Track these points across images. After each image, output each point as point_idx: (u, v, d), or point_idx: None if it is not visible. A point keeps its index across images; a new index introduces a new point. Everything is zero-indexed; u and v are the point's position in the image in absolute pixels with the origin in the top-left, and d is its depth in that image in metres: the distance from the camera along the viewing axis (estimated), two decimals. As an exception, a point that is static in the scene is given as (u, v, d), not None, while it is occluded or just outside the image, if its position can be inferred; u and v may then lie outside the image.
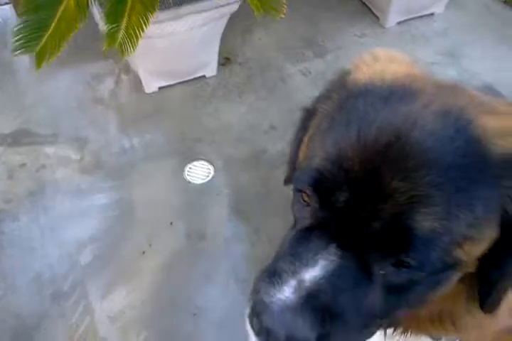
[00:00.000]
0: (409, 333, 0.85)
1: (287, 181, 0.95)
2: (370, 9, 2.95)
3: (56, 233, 2.06)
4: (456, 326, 0.81)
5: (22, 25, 1.60)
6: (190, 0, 2.17)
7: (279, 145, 2.34)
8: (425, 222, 0.61)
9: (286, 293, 0.65)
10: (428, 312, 0.81)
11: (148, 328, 1.81)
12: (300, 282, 0.66)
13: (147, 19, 1.69)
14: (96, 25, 2.13)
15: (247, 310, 0.72)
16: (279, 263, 0.70)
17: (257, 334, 0.68)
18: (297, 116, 2.77)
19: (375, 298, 0.68)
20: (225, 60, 2.71)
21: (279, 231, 2.05)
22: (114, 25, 1.61)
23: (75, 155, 2.32)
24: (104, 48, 1.70)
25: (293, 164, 0.90)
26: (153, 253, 2.01)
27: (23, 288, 1.90)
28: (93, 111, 2.51)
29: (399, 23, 2.84)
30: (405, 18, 2.84)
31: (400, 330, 0.85)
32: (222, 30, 2.43)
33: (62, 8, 1.57)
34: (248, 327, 0.72)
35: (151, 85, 2.57)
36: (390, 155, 0.63)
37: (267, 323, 0.65)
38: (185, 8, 2.15)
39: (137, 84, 2.59)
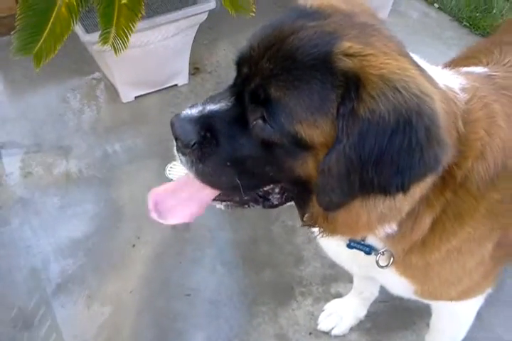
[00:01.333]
0: (325, 235, 1.06)
1: None
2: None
3: (49, 233, 2.18)
4: (329, 223, 1.02)
5: (20, 30, 1.78)
6: (164, 10, 2.38)
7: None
8: (277, 91, 0.90)
9: (191, 111, 0.99)
10: (314, 216, 1.04)
11: (145, 310, 1.95)
12: (203, 109, 0.98)
13: (134, 21, 1.91)
14: (71, 41, 2.29)
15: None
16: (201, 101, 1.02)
17: (174, 139, 1.01)
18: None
19: (247, 145, 0.98)
20: (194, 70, 2.92)
21: (260, 218, 2.26)
22: (106, 27, 1.81)
23: (60, 162, 2.46)
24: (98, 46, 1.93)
25: None
26: (142, 245, 2.16)
27: (21, 283, 2.01)
28: (74, 121, 2.66)
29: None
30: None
31: (319, 232, 1.07)
32: (192, 40, 2.65)
33: (55, 13, 1.76)
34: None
35: (127, 95, 2.75)
36: (272, 47, 0.93)
37: (174, 124, 0.99)
38: (160, 18, 2.36)
39: (114, 94, 2.77)
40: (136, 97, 2.76)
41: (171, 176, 2.41)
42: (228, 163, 1.00)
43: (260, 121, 0.94)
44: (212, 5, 2.50)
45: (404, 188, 0.88)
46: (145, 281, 2.05)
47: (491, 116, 1.07)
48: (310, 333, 1.87)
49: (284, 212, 2.26)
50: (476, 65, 1.31)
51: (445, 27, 3.21)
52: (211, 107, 0.98)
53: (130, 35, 1.98)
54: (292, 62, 0.90)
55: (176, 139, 1.01)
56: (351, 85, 0.86)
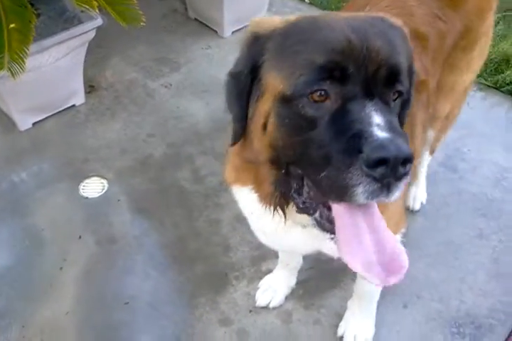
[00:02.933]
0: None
1: (237, 138, 1.15)
2: (207, 26, 3.38)
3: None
4: None
5: None
6: (50, 32, 2.38)
7: (160, 148, 2.61)
8: (400, 60, 1.02)
9: (381, 134, 0.91)
10: None
11: (86, 328, 1.93)
12: (379, 126, 0.92)
13: (27, 43, 1.92)
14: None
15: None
16: (347, 131, 0.94)
17: (380, 177, 0.90)
18: (171, 123, 3.05)
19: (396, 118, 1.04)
20: (90, 88, 2.92)
21: (183, 217, 2.31)
22: (-1, 52, 1.81)
23: (-35, 199, 2.36)
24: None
25: (242, 119, 1.11)
26: (70, 266, 2.13)
27: None
28: (-29, 157, 2.56)
29: (234, 32, 3.31)
30: (238, 27, 3.32)
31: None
32: (83, 59, 2.67)
33: None
34: None
35: (24, 122, 2.69)
36: (367, 39, 0.99)
37: (391, 153, 0.88)
38: (48, 41, 2.35)
39: (9, 124, 2.70)
40: (34, 123, 2.71)
41: (86, 194, 2.41)
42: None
43: (395, 97, 1.03)
44: (99, 22, 2.54)
45: None
46: (80, 300, 2.03)
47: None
48: (250, 311, 1.96)
49: (206, 207, 2.35)
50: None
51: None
52: (379, 120, 0.94)
53: (26, 58, 1.99)
54: (396, 48, 1.02)
55: (390, 163, 0.90)
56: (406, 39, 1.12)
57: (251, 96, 1.08)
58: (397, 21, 1.12)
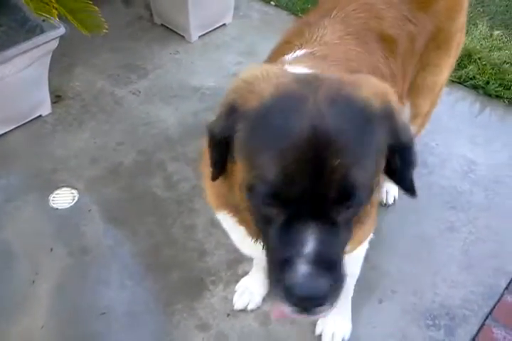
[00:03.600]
0: None
1: (214, 178, 1.12)
2: (173, 31, 3.37)
3: None
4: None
5: None
6: (12, 43, 2.34)
7: (131, 156, 2.59)
8: (358, 178, 0.90)
9: (302, 270, 0.90)
10: None
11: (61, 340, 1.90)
12: (305, 257, 0.90)
13: None
14: None
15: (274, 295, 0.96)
16: (283, 254, 0.93)
17: (295, 307, 0.93)
18: (141, 130, 3.02)
19: (343, 239, 0.98)
20: (56, 98, 2.88)
21: (154, 225, 2.29)
22: None
23: None
24: None
25: (218, 167, 1.08)
26: (42, 279, 2.09)
27: None
28: None
29: (200, 36, 3.31)
30: (204, 31, 3.31)
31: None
32: (47, 69, 2.62)
33: None
34: None
35: (-11, 135, 2.63)
36: (321, 150, 0.88)
37: (303, 294, 0.90)
38: (10, 51, 2.31)
39: (-26, 137, 2.64)
40: (-1, 136, 2.66)
41: (56, 205, 2.37)
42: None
43: (344, 211, 0.94)
44: (61, 31, 2.50)
45: None
46: (54, 313, 1.99)
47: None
48: (228, 314, 1.96)
49: (180, 213, 2.34)
50: (292, 49, 1.42)
51: (285, 21, 3.50)
52: (310, 248, 0.91)
53: None
54: (352, 147, 0.90)
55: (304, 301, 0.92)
56: (392, 117, 0.99)
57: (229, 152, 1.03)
58: (381, 92, 0.99)
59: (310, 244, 0.91)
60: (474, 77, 2.98)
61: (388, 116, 0.97)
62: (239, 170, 0.99)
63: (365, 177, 0.92)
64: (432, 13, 1.67)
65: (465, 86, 2.95)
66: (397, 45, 1.58)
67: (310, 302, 0.93)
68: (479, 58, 3.06)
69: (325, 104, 0.91)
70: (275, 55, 1.51)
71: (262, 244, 1.05)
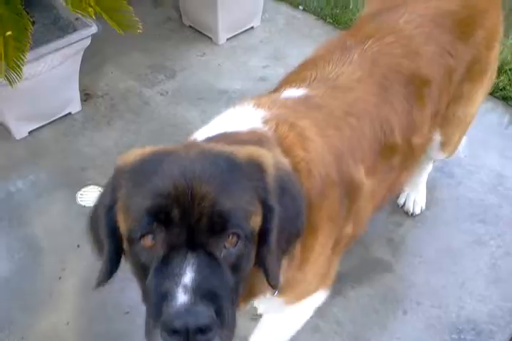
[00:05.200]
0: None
1: (104, 279, 1.17)
2: (201, 33, 3.39)
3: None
4: (255, 295, 1.21)
5: None
6: (45, 40, 2.37)
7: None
8: (228, 205, 0.94)
9: (180, 299, 0.89)
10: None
11: (86, 338, 1.92)
12: (185, 288, 0.90)
13: (24, 51, 1.92)
14: None
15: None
16: (160, 290, 0.93)
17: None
18: (168, 130, 2.99)
19: (228, 276, 0.96)
20: (86, 96, 2.91)
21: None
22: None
23: (-39, 210, 2.33)
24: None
25: (110, 254, 1.11)
26: (69, 276, 2.12)
27: None
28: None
29: (228, 39, 3.32)
30: (232, 34, 3.32)
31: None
32: (78, 67, 2.66)
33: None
34: None
35: (20, 131, 2.67)
36: (189, 184, 0.94)
37: (182, 325, 0.88)
38: (44, 48, 2.34)
39: (5, 132, 2.67)
40: (29, 132, 2.69)
41: (83, 203, 2.39)
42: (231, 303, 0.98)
43: (224, 250, 0.95)
44: (94, 29, 2.53)
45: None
46: (80, 310, 2.01)
47: (300, 134, 1.22)
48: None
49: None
50: (303, 80, 1.42)
51: (312, 26, 3.51)
52: (187, 279, 0.91)
53: (23, 65, 1.99)
54: (220, 187, 0.96)
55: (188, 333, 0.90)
56: (260, 175, 1.02)
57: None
58: (254, 154, 1.04)
59: (188, 274, 0.91)
60: (504, 88, 2.95)
61: (255, 171, 1.02)
62: (120, 227, 1.01)
63: (234, 206, 0.95)
64: (472, 43, 1.59)
65: (495, 97, 2.92)
66: (431, 87, 1.50)
67: (193, 333, 0.89)
68: (510, 69, 3.03)
69: (194, 154, 1.00)
70: (281, 84, 1.50)
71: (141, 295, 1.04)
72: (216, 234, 0.94)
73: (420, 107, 1.49)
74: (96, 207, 1.11)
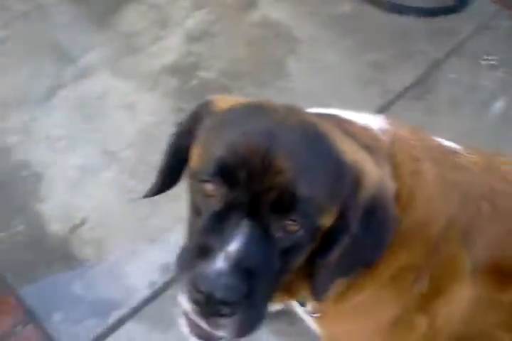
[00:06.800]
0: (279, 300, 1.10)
1: (156, 192, 1.12)
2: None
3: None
4: (293, 295, 1.10)
5: None
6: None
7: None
8: (304, 190, 0.86)
9: (219, 264, 0.85)
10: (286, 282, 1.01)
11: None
12: (226, 254, 0.85)
13: None
14: None
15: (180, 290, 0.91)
16: (204, 241, 0.89)
17: (195, 303, 0.87)
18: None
19: (275, 260, 0.90)
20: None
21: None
22: None
23: None
24: None
25: (164, 171, 1.09)
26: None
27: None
28: None
29: None
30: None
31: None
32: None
33: None
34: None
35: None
36: (274, 148, 0.87)
37: (208, 289, 0.84)
38: None
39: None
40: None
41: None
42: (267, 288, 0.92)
43: (288, 228, 0.89)
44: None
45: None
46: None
47: (417, 164, 1.05)
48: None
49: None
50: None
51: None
52: (233, 246, 0.86)
53: None
54: (307, 161, 0.88)
55: (203, 303, 0.86)
56: (354, 182, 0.92)
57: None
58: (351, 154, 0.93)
59: (236, 242, 0.86)
60: None
61: (352, 179, 0.92)
62: (191, 160, 0.99)
63: (310, 193, 0.87)
64: None
65: None
66: None
67: (213, 302, 0.85)
68: None
69: (294, 122, 0.92)
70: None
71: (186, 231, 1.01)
72: (280, 212, 0.87)
73: None
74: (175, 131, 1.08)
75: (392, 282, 1.06)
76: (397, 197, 0.99)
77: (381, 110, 2.35)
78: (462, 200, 1.04)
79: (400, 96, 2.45)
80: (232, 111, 0.97)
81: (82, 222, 2.00)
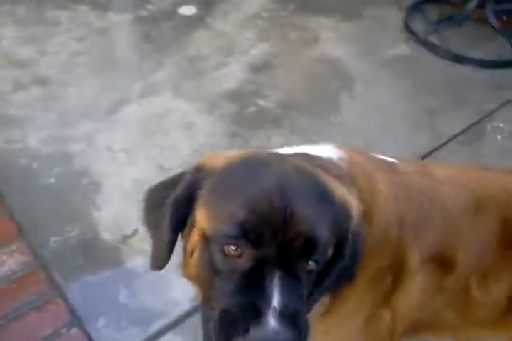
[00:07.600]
0: None
1: (160, 265, 1.08)
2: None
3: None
4: None
5: None
6: None
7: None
8: (321, 234, 0.94)
9: (272, 323, 0.87)
10: None
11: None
12: (274, 310, 0.88)
13: None
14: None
15: None
16: (242, 301, 0.90)
17: None
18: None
19: (305, 300, 0.96)
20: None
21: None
22: None
23: None
24: None
25: (170, 244, 1.05)
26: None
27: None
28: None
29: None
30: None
31: None
32: None
33: None
34: None
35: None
36: (289, 201, 0.92)
37: None
38: None
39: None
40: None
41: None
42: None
43: (310, 269, 0.95)
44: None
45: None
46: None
47: (371, 181, 1.17)
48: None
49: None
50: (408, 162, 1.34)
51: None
52: (276, 301, 0.89)
53: None
54: (317, 206, 0.95)
55: None
56: (347, 217, 1.01)
57: (186, 223, 1.04)
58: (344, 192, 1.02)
59: (279, 295, 0.88)
60: None
61: (346, 213, 1.00)
62: (199, 221, 0.99)
63: (325, 235, 0.94)
64: None
65: None
66: None
67: None
68: None
69: (290, 169, 0.98)
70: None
71: (204, 300, 1.00)
72: (305, 257, 0.94)
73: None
74: (157, 192, 1.09)
75: (368, 286, 1.17)
76: (362, 214, 1.08)
77: (429, 153, 2.42)
78: (407, 197, 1.19)
79: (449, 141, 2.52)
80: (230, 168, 0.99)
81: (134, 233, 2.09)
